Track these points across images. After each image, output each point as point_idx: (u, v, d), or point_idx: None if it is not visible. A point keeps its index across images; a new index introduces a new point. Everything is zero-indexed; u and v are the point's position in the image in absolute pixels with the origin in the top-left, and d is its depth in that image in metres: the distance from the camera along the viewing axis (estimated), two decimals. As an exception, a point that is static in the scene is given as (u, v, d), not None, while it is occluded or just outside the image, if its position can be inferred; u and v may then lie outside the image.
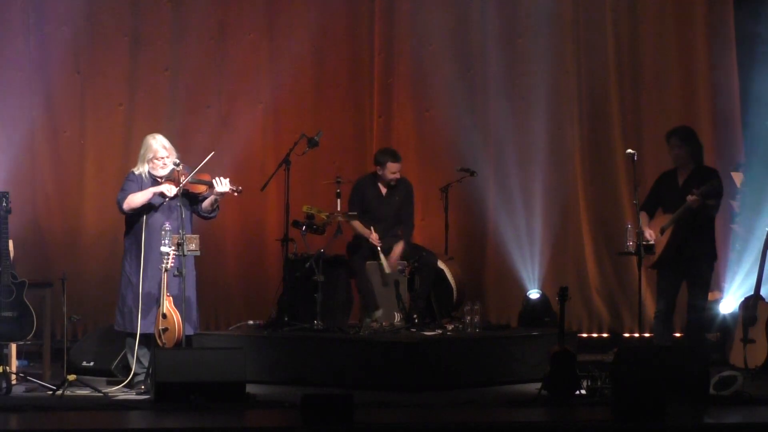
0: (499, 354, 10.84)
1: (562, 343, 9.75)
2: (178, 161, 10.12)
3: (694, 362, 9.54)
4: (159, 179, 10.12)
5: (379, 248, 11.49)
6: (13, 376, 10.21)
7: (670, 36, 13.33)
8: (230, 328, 12.03)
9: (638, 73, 13.35)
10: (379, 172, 11.71)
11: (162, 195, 10.01)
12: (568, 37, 13.32)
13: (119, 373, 10.69)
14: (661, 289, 10.86)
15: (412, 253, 11.55)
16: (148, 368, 9.99)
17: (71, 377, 9.95)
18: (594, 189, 13.35)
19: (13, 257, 10.42)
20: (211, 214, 10.29)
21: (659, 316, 10.83)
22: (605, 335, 13.23)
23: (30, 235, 12.31)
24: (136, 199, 10.05)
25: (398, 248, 11.55)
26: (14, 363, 10.54)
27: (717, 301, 12.07)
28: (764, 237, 11.27)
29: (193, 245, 9.93)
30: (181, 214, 9.93)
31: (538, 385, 9.72)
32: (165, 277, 9.83)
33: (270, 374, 10.65)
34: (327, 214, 11.36)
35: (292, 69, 13.08)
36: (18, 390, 10.11)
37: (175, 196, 10.00)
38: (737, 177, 12.81)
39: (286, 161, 11.33)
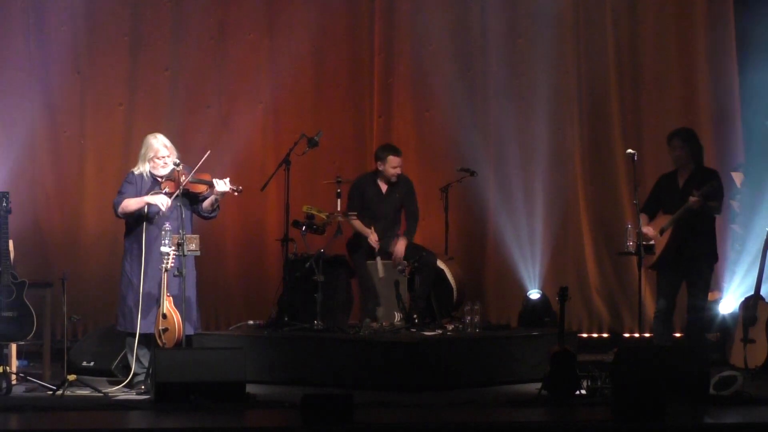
0: (499, 354, 10.84)
1: (562, 343, 9.75)
2: (178, 161, 10.12)
3: (694, 362, 9.55)
4: (159, 178, 10.12)
5: (376, 250, 11.48)
6: (13, 376, 10.21)
7: (670, 36, 13.33)
8: (230, 328, 12.03)
9: (638, 73, 13.35)
10: (380, 168, 11.71)
11: (156, 206, 10.01)
12: (568, 37, 13.32)
13: (119, 373, 10.69)
14: (661, 289, 10.86)
15: (412, 253, 11.55)
16: (148, 368, 9.99)
17: (71, 377, 9.95)
18: (594, 189, 13.35)
19: (13, 257, 10.42)
20: (212, 214, 10.29)
21: (659, 316, 10.83)
22: (605, 335, 13.23)
23: (30, 235, 12.31)
24: (131, 206, 10.06)
25: (401, 245, 11.53)
26: (14, 363, 10.54)
27: (717, 301, 12.08)
28: (764, 237, 11.28)
29: (193, 245, 9.93)
30: (181, 214, 9.93)
31: (538, 385, 9.72)
32: (165, 277, 9.83)
33: (270, 374, 10.65)
34: (327, 214, 11.36)
35: (292, 69, 13.09)
36: (18, 390, 10.11)
37: (171, 204, 9.99)
38: (737, 177, 12.82)
39: (286, 161, 11.33)
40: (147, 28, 12.89)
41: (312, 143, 11.48)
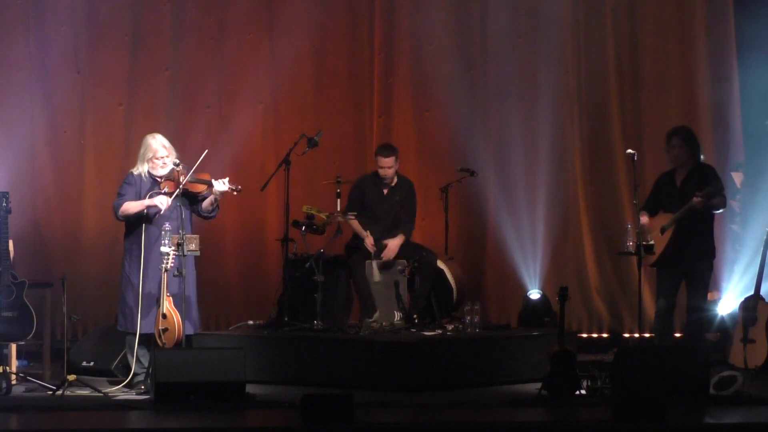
0: (499, 354, 10.84)
1: (562, 343, 9.75)
2: (177, 161, 10.12)
3: (694, 362, 9.55)
4: (159, 179, 10.12)
5: (372, 253, 11.46)
6: (13, 376, 10.21)
7: (670, 36, 13.33)
8: (230, 328, 12.03)
9: (638, 73, 13.35)
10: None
11: (156, 207, 10.01)
12: (568, 37, 13.32)
13: (119, 373, 10.69)
14: (661, 289, 10.85)
15: (412, 253, 11.54)
16: (148, 368, 9.99)
17: (71, 377, 9.96)
18: (594, 189, 13.35)
19: (13, 257, 10.42)
20: (211, 214, 10.29)
21: (659, 316, 10.83)
22: (605, 335, 13.23)
23: (30, 235, 12.31)
24: (131, 209, 10.06)
25: (397, 240, 11.49)
26: (14, 363, 10.55)
27: (716, 301, 12.07)
28: (764, 237, 11.28)
29: (193, 245, 9.93)
30: (181, 214, 9.93)
31: (538, 385, 9.72)
32: (165, 277, 9.83)
33: (270, 374, 10.65)
34: (327, 214, 11.36)
35: (292, 69, 13.09)
36: (18, 390, 10.12)
37: (171, 204, 9.99)
38: (737, 177, 12.82)
39: (286, 161, 11.32)
40: (147, 28, 12.90)
41: (312, 143, 11.47)
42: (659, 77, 13.32)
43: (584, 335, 13.12)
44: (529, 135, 13.22)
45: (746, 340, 11.03)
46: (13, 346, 10.50)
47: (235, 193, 10.20)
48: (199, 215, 10.29)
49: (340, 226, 11.43)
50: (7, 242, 10.14)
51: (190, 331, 10.07)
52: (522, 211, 13.14)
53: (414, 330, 11.10)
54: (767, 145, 12.81)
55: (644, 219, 10.69)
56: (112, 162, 12.58)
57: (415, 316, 11.32)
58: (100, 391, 9.93)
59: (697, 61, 13.24)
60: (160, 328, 9.86)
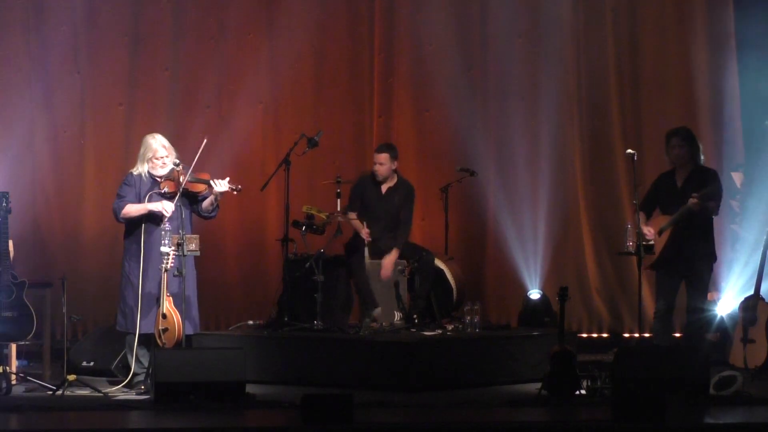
0: (499, 354, 10.84)
1: (562, 343, 9.75)
2: (177, 161, 10.12)
3: (694, 362, 9.55)
4: (158, 179, 10.12)
5: (366, 242, 11.42)
6: (13, 376, 10.21)
7: (670, 36, 13.33)
8: (230, 328, 12.03)
9: (638, 73, 13.35)
10: None
11: (161, 213, 10.00)
12: (568, 37, 13.32)
13: (119, 373, 10.69)
14: (661, 290, 10.85)
15: (412, 253, 11.53)
16: (148, 368, 9.99)
17: (71, 377, 9.95)
18: (594, 189, 13.35)
19: (13, 257, 10.41)
20: (211, 214, 10.29)
21: (659, 316, 10.82)
22: (605, 335, 13.23)
23: (30, 235, 12.32)
24: (131, 212, 10.06)
25: (391, 257, 11.40)
26: (14, 363, 10.54)
27: (716, 302, 12.07)
28: (764, 237, 11.28)
29: (193, 245, 9.93)
30: (181, 214, 9.93)
31: (538, 385, 9.71)
32: (165, 277, 9.83)
33: (270, 374, 10.64)
34: (327, 214, 11.36)
35: (292, 69, 13.09)
36: (18, 390, 10.11)
37: (173, 211, 9.99)
38: (737, 177, 12.81)
39: (286, 161, 11.32)
40: (147, 28, 12.90)
41: (312, 143, 11.47)
42: (659, 77, 13.32)
43: (584, 335, 13.12)
44: (529, 135, 13.23)
45: (746, 340, 11.03)
46: (13, 346, 10.49)
47: (235, 192, 10.20)
48: (199, 215, 10.29)
49: (340, 226, 11.43)
50: (7, 242, 10.14)
51: (189, 331, 10.07)
52: (522, 211, 13.14)
53: (414, 330, 11.09)
54: (767, 145, 12.80)
55: (648, 230, 10.63)
56: (112, 162, 12.58)
57: (415, 316, 11.31)
58: (100, 391, 9.92)
59: (697, 61, 13.24)
60: (160, 328, 9.85)
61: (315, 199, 11.96)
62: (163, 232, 9.84)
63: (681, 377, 9.41)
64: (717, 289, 12.31)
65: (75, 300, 11.34)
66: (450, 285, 11.80)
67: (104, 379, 10.61)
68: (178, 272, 9.82)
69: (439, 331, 11.12)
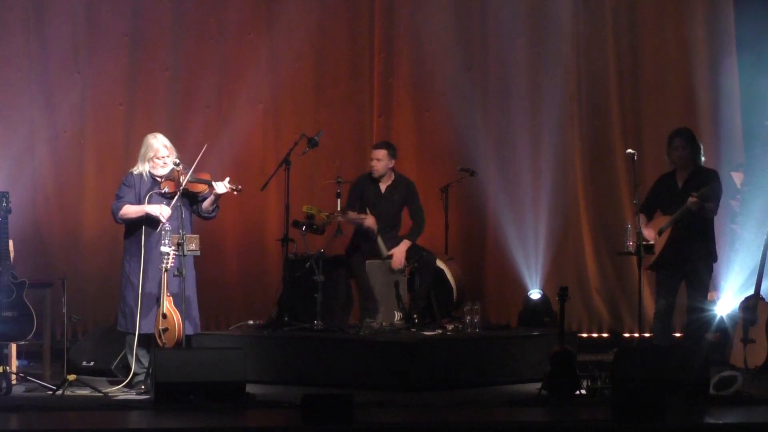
0: (499, 354, 10.84)
1: (562, 343, 9.75)
2: (178, 161, 10.12)
3: (694, 362, 9.55)
4: (159, 178, 10.12)
5: (375, 231, 11.41)
6: (13, 376, 10.21)
7: (670, 36, 13.33)
8: (230, 328, 12.03)
9: (638, 73, 13.36)
10: None
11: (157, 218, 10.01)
12: (568, 37, 13.32)
13: (119, 373, 10.69)
14: (661, 290, 10.85)
15: (412, 253, 11.54)
16: (148, 368, 9.99)
17: (71, 377, 9.95)
18: (594, 189, 13.35)
19: (13, 257, 10.42)
20: (211, 214, 10.29)
21: (659, 316, 10.82)
22: (605, 335, 13.23)
23: (30, 235, 12.31)
24: (130, 214, 10.06)
25: (402, 247, 11.47)
26: (14, 363, 10.54)
27: (716, 302, 12.06)
28: (764, 237, 11.27)
29: (193, 245, 9.93)
30: (181, 214, 9.93)
31: (538, 385, 9.71)
32: (165, 277, 9.83)
33: (270, 374, 10.64)
34: (327, 214, 11.36)
35: (292, 69, 13.09)
36: (18, 390, 10.11)
37: (171, 212, 9.99)
38: (737, 177, 12.81)
39: (286, 161, 11.32)
40: (147, 28, 12.90)
41: (312, 143, 11.47)
42: (659, 77, 13.32)
43: (584, 335, 13.12)
44: (530, 135, 13.23)
45: (746, 340, 11.03)
46: (13, 346, 10.49)
47: (235, 192, 10.20)
48: (199, 215, 10.29)
49: (340, 226, 11.43)
50: (7, 242, 10.14)
51: (190, 331, 10.07)
52: (522, 211, 13.14)
53: (414, 330, 11.09)
54: (767, 145, 12.80)
55: (649, 233, 10.63)
56: (112, 162, 12.58)
57: (415, 316, 11.31)
58: (100, 391, 9.92)
59: (697, 61, 13.24)
60: (160, 328, 9.86)
61: (315, 199, 11.96)
62: (163, 232, 9.85)
63: (681, 377, 9.41)
64: (717, 289, 12.31)
65: (75, 300, 11.33)
66: (450, 285, 11.80)
67: (104, 379, 10.61)
68: (178, 272, 9.82)
69: (439, 331, 11.12)
